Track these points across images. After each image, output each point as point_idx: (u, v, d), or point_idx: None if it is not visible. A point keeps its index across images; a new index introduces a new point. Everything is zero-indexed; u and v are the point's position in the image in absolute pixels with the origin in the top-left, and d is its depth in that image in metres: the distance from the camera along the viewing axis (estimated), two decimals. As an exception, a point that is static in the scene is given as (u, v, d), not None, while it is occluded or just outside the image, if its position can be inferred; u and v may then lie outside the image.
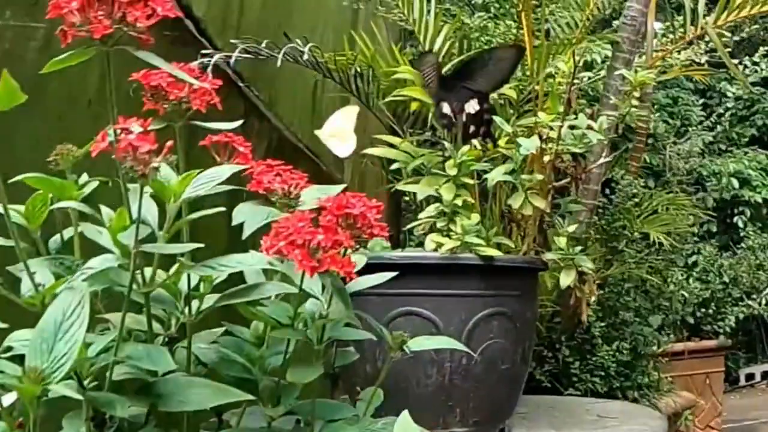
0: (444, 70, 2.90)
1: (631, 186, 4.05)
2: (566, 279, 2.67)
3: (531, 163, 2.77)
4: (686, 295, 5.54)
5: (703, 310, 6.37)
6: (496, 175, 2.60)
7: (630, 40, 3.73)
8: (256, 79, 4.10)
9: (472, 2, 7.05)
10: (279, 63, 3.05)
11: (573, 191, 2.92)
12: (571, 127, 2.70)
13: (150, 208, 1.51)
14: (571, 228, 2.73)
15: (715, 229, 8.12)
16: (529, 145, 2.56)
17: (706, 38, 4.31)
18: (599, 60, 4.54)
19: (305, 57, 3.11)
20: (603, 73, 4.13)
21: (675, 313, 5.02)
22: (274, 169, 1.82)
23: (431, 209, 2.60)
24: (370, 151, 3.24)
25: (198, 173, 1.54)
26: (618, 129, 3.11)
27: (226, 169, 1.56)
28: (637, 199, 3.97)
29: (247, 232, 1.60)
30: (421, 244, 2.77)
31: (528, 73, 3.77)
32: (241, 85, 3.91)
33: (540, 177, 2.66)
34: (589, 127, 2.65)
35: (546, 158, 2.66)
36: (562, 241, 2.64)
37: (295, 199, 1.70)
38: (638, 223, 3.82)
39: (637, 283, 4.11)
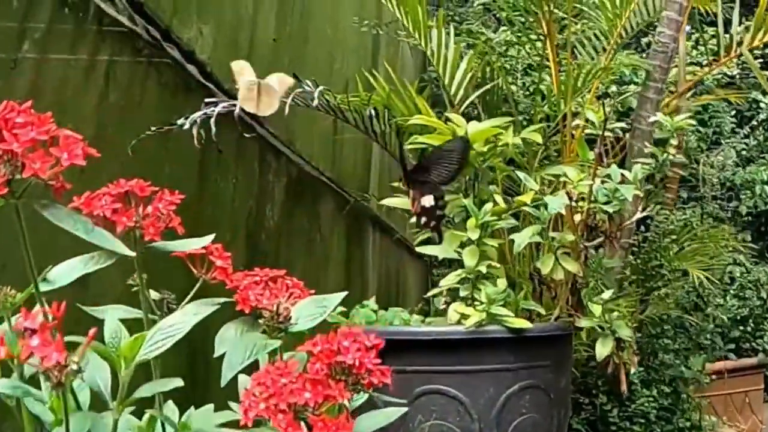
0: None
1: (668, 221, 3.73)
2: (603, 349, 2.38)
3: (560, 221, 2.47)
4: (725, 319, 5.19)
5: (741, 327, 6.02)
6: (525, 238, 2.31)
7: (662, 68, 3.42)
8: (272, 116, 3.83)
9: (497, 16, 6.75)
10: (287, 111, 2.75)
11: (607, 249, 2.61)
12: (604, 179, 2.39)
13: (101, 371, 1.22)
14: (607, 295, 2.43)
15: (749, 238, 7.74)
16: (557, 205, 2.27)
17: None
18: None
19: (314, 103, 2.82)
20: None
21: (717, 350, 4.69)
22: (261, 281, 1.53)
23: (452, 277, 2.31)
24: (387, 201, 2.95)
25: (151, 332, 1.22)
26: (655, 178, 2.79)
27: (189, 319, 1.25)
28: (674, 236, 3.65)
29: (227, 377, 1.30)
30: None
31: (554, 107, 3.48)
32: (253, 123, 3.64)
33: (571, 237, 2.37)
34: (623, 180, 2.34)
35: (577, 217, 2.36)
36: (597, 309, 2.34)
37: (286, 321, 1.40)
38: (675, 260, 3.50)
39: (676, 321, 3.79)
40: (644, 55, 6.32)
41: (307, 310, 1.42)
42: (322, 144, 4.54)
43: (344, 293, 1.59)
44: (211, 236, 1.56)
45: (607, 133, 3.05)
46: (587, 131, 2.63)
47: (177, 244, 1.49)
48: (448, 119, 2.92)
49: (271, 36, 3.85)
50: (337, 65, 4.78)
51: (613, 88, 5.85)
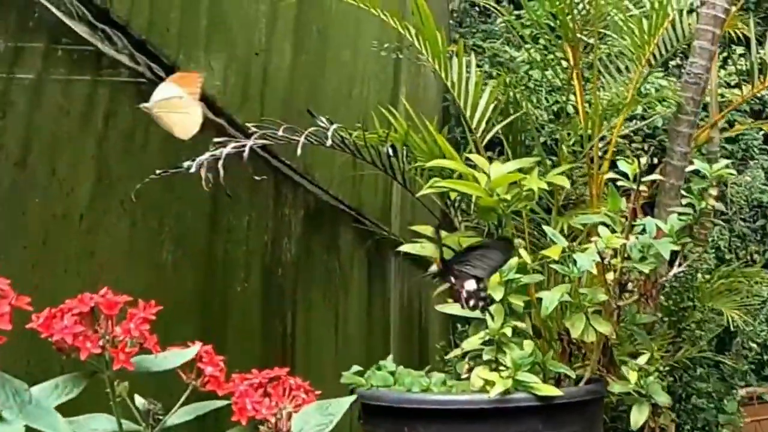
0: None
1: (701, 260, 3.47)
2: (639, 416, 2.15)
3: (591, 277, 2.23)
4: (756, 346, 4.93)
5: (771, 353, 5.75)
6: (554, 299, 2.08)
7: (695, 100, 3.17)
8: (288, 148, 3.61)
9: (520, 34, 6.52)
10: (299, 150, 2.53)
11: (642, 307, 2.36)
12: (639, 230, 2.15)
13: None
14: (643, 359, 2.19)
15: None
16: (587, 264, 2.03)
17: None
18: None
19: (328, 142, 2.59)
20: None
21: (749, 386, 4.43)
22: (259, 385, 1.32)
23: (475, 340, 2.08)
24: (404, 248, 2.73)
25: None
26: (692, 230, 2.54)
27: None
28: (708, 276, 3.39)
29: None
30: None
31: (579, 139, 3.24)
32: (267, 156, 3.42)
33: (603, 297, 2.13)
34: (659, 233, 2.10)
35: (609, 276, 2.12)
36: (633, 375, 2.10)
37: (287, 433, 1.19)
38: (709, 299, 3.25)
39: (710, 362, 3.53)
40: (672, 78, 6.07)
41: (313, 419, 1.20)
42: (342, 171, 4.32)
43: (352, 398, 1.37)
44: (196, 347, 1.34)
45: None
46: (620, 183, 2.39)
47: (158, 360, 1.27)
48: (468, 160, 2.69)
49: (286, 64, 3.63)
50: (356, 91, 4.56)
51: (639, 109, 5.60)
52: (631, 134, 5.03)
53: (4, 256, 2.00)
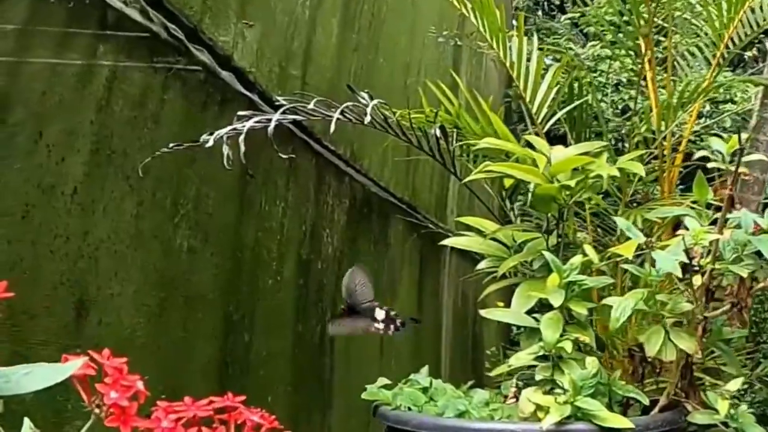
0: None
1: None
2: (727, 454, 1.65)
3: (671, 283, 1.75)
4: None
5: None
6: (627, 308, 1.61)
7: (785, 84, 2.66)
8: (334, 132, 3.18)
9: (584, 31, 6.05)
10: (332, 127, 2.09)
11: (733, 319, 1.87)
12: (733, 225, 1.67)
13: None
14: (734, 385, 1.70)
15: None
16: (670, 266, 1.56)
17: None
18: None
19: (367, 119, 2.15)
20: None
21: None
22: (197, 423, 0.88)
23: (526, 355, 1.62)
24: (449, 242, 2.27)
25: None
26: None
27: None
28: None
29: None
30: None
31: (651, 128, 2.76)
32: (308, 140, 2.98)
33: (687, 306, 1.65)
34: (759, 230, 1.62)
35: (696, 280, 1.64)
36: (723, 406, 1.62)
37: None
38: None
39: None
40: (742, 72, 5.55)
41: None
42: (394, 161, 3.87)
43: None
44: (77, 362, 0.89)
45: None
46: (709, 165, 1.91)
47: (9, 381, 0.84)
48: (528, 143, 2.23)
49: (332, 44, 3.19)
50: (411, 80, 4.10)
51: (707, 107, 5.10)
52: (701, 131, 4.51)
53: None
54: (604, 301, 1.77)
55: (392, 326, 2.27)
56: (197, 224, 2.31)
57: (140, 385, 0.92)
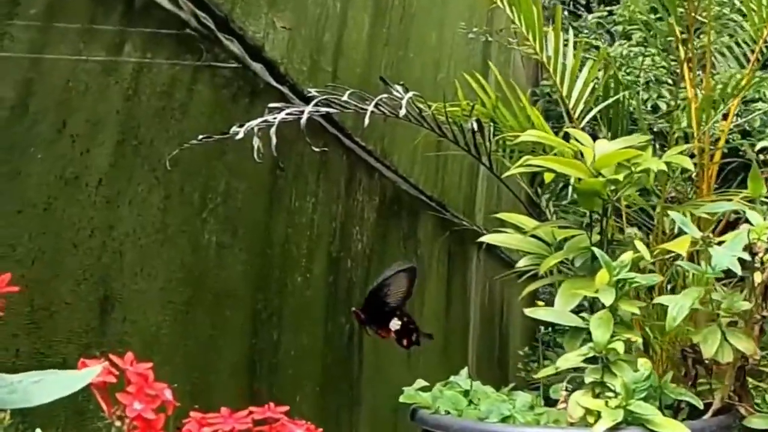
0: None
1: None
2: (785, 462, 1.51)
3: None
4: None
5: None
6: (685, 306, 1.48)
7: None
8: (364, 127, 3.06)
9: (611, 30, 5.91)
10: (367, 121, 1.98)
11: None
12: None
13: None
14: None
15: None
16: (727, 261, 1.43)
17: None
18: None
19: (402, 112, 2.03)
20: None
21: None
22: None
23: (574, 357, 1.49)
24: (487, 239, 2.15)
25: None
26: None
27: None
28: None
29: None
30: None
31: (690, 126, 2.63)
32: (339, 135, 2.86)
33: (746, 305, 1.52)
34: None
35: (757, 278, 1.51)
36: (783, 411, 1.49)
37: None
38: None
39: None
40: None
41: None
42: (424, 158, 3.74)
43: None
44: (96, 368, 0.78)
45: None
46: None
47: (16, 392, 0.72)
48: (567, 136, 2.10)
49: (363, 38, 3.07)
50: (441, 75, 3.98)
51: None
52: (733, 128, 4.36)
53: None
54: (656, 300, 1.64)
55: (406, 340, 2.13)
56: (226, 219, 2.19)
57: (168, 394, 0.80)
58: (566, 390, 1.60)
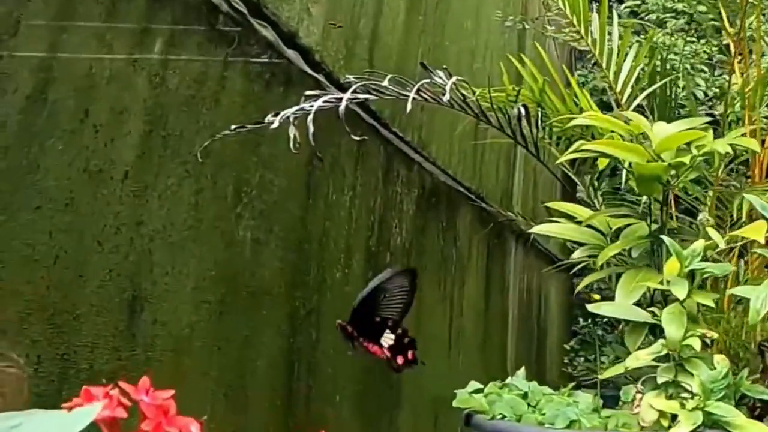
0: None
1: None
2: None
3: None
4: None
5: None
6: (767, 300, 1.29)
7: None
8: (402, 117, 2.90)
9: (645, 18, 5.69)
10: (409, 107, 1.81)
11: None
12: None
13: None
14: None
15: None
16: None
17: None
18: None
19: (446, 97, 1.86)
20: None
21: None
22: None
23: (646, 354, 1.32)
24: (537, 229, 1.97)
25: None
26: None
27: None
28: None
29: None
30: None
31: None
32: (376, 125, 2.70)
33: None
34: None
35: None
36: None
37: None
38: None
39: None
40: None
41: None
42: (461, 149, 3.57)
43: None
44: (96, 406, 0.61)
45: None
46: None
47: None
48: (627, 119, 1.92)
49: (399, 26, 2.90)
50: (478, 65, 3.80)
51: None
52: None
53: (8, 218, 1.34)
54: (732, 291, 1.46)
55: (400, 358, 1.77)
56: (261, 214, 2.03)
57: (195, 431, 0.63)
58: (638, 391, 1.42)
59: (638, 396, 1.41)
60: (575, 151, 1.84)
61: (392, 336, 1.76)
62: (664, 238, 1.51)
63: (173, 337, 1.72)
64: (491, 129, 3.64)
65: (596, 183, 2.60)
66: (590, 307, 1.56)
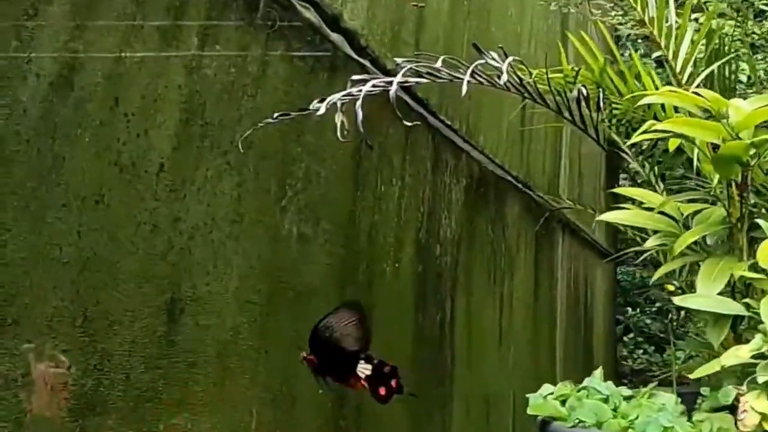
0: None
1: None
2: None
3: None
4: None
5: None
6: None
7: None
8: (449, 105, 2.71)
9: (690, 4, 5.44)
10: (464, 89, 1.62)
11: None
12: None
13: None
14: None
15: None
16: None
17: None
18: None
19: (503, 78, 1.66)
20: None
21: None
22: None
23: (744, 352, 1.12)
24: (606, 216, 1.77)
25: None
26: None
27: None
28: None
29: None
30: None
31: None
32: (423, 112, 2.51)
33: None
34: None
35: None
36: None
37: None
38: None
39: None
40: None
41: None
42: (509, 138, 3.37)
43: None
44: None
45: None
46: None
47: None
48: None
49: (444, 10, 2.70)
50: (523, 51, 3.59)
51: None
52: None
53: (32, 218, 1.17)
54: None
55: (383, 389, 1.57)
56: (307, 207, 1.85)
57: None
58: (739, 393, 1.22)
59: (743, 401, 1.21)
60: (645, 131, 1.64)
61: (369, 366, 1.57)
62: (761, 222, 1.31)
63: (216, 342, 1.55)
64: (537, 117, 3.43)
65: (656, 168, 2.40)
66: (676, 300, 1.37)
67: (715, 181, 1.84)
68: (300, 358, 1.51)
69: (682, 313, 4.53)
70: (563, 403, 1.35)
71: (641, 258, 2.15)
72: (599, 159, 5.32)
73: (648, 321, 5.24)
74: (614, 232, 5.28)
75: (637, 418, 1.24)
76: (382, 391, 1.56)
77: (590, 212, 3.35)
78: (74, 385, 1.24)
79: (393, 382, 1.57)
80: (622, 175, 5.82)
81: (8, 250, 1.13)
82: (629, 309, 5.32)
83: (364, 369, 1.54)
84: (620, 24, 3.54)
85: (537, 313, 3.82)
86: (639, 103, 1.71)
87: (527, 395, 1.43)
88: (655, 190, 2.15)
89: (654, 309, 5.43)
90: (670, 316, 5.04)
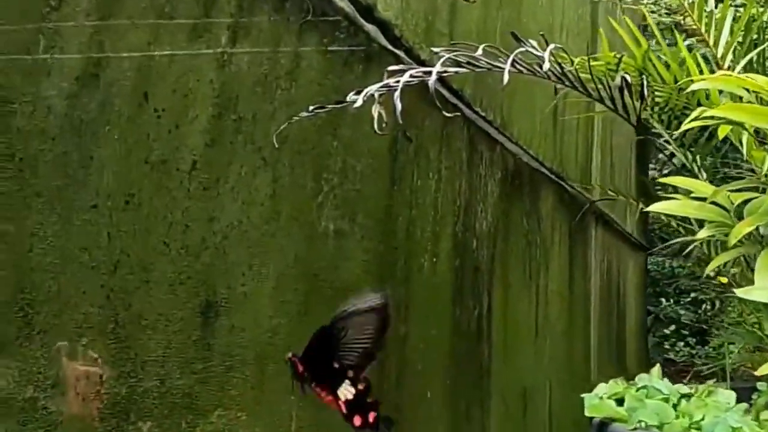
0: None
1: None
2: None
3: None
4: None
5: None
6: None
7: None
8: (483, 96, 2.61)
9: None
10: (506, 78, 1.52)
11: None
12: None
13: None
14: None
15: None
16: None
17: None
18: None
19: (545, 66, 1.56)
20: None
21: None
22: None
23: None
24: (656, 207, 1.66)
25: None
26: None
27: None
28: None
29: None
30: None
31: None
32: (458, 104, 2.40)
33: None
34: None
35: None
36: None
37: None
38: None
39: None
40: None
41: None
42: (542, 129, 3.25)
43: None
44: None
45: None
46: None
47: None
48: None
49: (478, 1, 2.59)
50: (555, 39, 3.47)
51: None
52: None
53: (59, 219, 1.08)
54: None
55: (358, 418, 1.37)
56: (344, 203, 1.76)
57: None
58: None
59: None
60: (696, 119, 1.53)
61: (352, 390, 1.39)
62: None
63: (254, 344, 1.46)
64: (570, 107, 3.31)
65: (698, 157, 2.29)
66: (739, 292, 1.26)
67: (765, 168, 1.73)
68: (285, 357, 1.35)
69: (717, 303, 4.41)
70: (618, 402, 1.25)
71: (669, 247, 2.03)
72: (630, 149, 5.20)
73: (682, 312, 5.10)
74: (644, 222, 5.16)
75: (703, 418, 1.13)
76: (357, 421, 1.37)
77: (625, 202, 3.24)
78: (107, 393, 1.16)
79: (371, 416, 1.38)
80: (652, 165, 5.69)
81: (34, 255, 1.05)
82: (662, 300, 5.19)
83: (347, 391, 1.37)
84: (652, 12, 3.41)
85: (572, 306, 3.71)
86: (689, 89, 1.60)
87: (582, 395, 1.33)
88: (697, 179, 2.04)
89: (688, 299, 5.30)
90: (704, 306, 4.91)
